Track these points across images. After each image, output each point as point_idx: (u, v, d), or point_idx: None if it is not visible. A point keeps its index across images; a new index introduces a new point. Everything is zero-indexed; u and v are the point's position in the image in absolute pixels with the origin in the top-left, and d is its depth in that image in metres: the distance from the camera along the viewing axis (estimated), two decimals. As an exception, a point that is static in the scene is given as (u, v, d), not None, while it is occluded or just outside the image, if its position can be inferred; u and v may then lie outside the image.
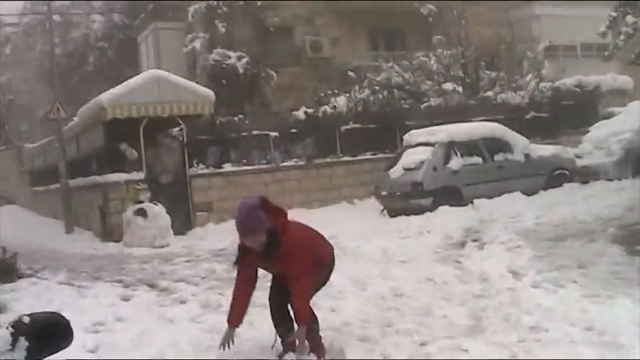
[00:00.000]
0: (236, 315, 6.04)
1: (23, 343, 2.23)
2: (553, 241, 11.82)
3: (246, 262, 6.09)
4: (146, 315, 8.52)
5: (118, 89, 17.43)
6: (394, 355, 6.13)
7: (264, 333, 6.61)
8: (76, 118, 21.65)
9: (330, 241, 12.92)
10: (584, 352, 5.93)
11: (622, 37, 15.01)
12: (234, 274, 10.91)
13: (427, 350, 3.94)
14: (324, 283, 6.49)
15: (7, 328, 2.27)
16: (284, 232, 5.94)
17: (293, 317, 5.94)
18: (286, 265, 5.87)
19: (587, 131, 20.81)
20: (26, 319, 2.28)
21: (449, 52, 24.59)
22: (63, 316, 2.38)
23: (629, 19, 14.64)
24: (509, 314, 7.32)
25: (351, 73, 24.52)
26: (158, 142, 18.17)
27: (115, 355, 6.77)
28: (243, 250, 6.04)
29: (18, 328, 2.26)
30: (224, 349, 5.93)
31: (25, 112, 45.45)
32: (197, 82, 19.58)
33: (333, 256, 6.51)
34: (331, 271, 6.51)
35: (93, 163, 19.76)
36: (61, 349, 2.38)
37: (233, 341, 5.97)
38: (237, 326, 6.09)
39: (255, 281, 6.23)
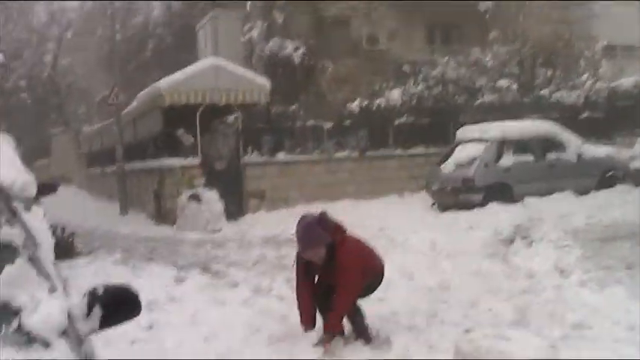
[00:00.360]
0: (307, 317, 6.42)
1: (98, 311, 2.43)
2: (602, 242, 11.87)
3: (305, 270, 6.48)
4: (199, 296, 8.81)
5: (177, 76, 17.80)
6: (438, 343, 6.35)
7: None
8: (134, 103, 22.08)
9: (380, 233, 13.20)
10: (626, 350, 6.07)
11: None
12: (285, 260, 11.24)
13: (470, 337, 4.13)
14: (371, 292, 6.76)
15: (84, 297, 2.48)
16: (342, 246, 6.29)
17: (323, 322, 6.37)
18: (339, 276, 6.19)
19: (645, 131, 20.69)
20: (100, 289, 2.47)
21: (505, 48, 24.51)
22: (133, 288, 2.58)
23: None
24: (554, 311, 7.47)
25: (406, 67, 24.60)
26: (214, 129, 18.49)
27: (169, 332, 7.03)
28: (301, 260, 6.44)
29: (93, 297, 2.45)
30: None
31: (84, 96, 46.25)
32: (254, 71, 19.83)
33: (383, 269, 6.80)
34: (380, 282, 6.81)
35: (149, 147, 20.17)
36: (131, 319, 2.59)
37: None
38: (313, 328, 6.40)
39: (313, 287, 6.56)
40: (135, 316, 2.60)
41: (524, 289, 8.72)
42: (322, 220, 6.37)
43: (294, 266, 6.60)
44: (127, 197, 21.73)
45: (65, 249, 11.51)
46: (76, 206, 23.80)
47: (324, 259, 6.25)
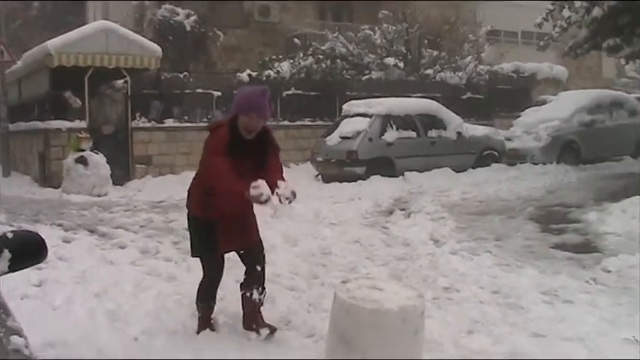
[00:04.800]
0: (239, 182, 5.23)
1: (7, 254, 2.53)
2: (475, 215, 12.57)
3: (225, 150, 5.42)
4: (87, 256, 8.90)
5: (66, 37, 17.53)
6: (318, 303, 6.75)
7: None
8: (19, 63, 21.57)
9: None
10: (489, 310, 6.62)
11: (557, 29, 15.69)
12: (172, 224, 11.43)
13: (347, 287, 4.52)
14: None
15: (-6, 241, 2.56)
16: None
17: (277, 183, 5.47)
18: (273, 153, 5.75)
19: (519, 116, 21.64)
20: (10, 235, 2.58)
21: (394, 27, 25.04)
22: (39, 235, 2.76)
23: (565, 12, 15.31)
24: (427, 276, 8.04)
25: (296, 40, 24.88)
26: (102, 93, 18.33)
27: (58, 289, 7.14)
28: (226, 137, 5.50)
29: (2, 242, 2.54)
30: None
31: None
32: (143, 37, 19.72)
33: None
34: None
35: (35, 108, 19.75)
36: (38, 263, 2.76)
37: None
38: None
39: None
40: (41, 260, 2.70)
41: (401, 256, 9.23)
42: None
43: (213, 143, 5.55)
44: (9, 159, 21.28)
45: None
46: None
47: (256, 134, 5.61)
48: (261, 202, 5.18)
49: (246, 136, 5.56)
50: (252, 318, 5.88)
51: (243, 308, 5.95)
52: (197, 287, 5.99)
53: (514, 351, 5.55)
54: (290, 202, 5.37)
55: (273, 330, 5.82)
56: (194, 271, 7.89)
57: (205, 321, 5.96)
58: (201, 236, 5.79)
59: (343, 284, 4.63)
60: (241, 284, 5.97)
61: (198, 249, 5.87)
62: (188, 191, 6.02)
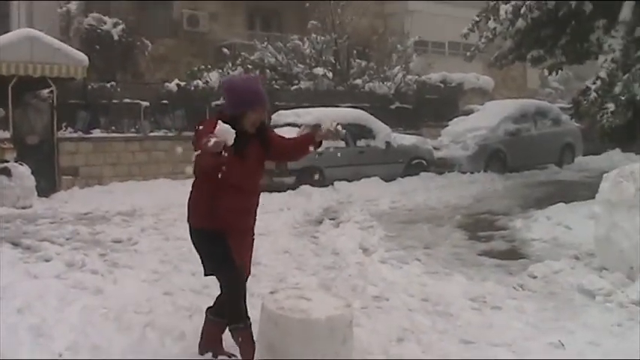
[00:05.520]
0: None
1: None
2: (404, 224, 12.69)
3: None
4: (10, 270, 8.63)
5: (-12, 45, 17.15)
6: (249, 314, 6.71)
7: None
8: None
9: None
10: (419, 318, 6.67)
11: (483, 40, 15.92)
12: (99, 236, 11.25)
13: (275, 297, 4.50)
14: None
15: None
16: None
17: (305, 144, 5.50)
18: (264, 131, 5.40)
19: (447, 125, 21.92)
20: None
21: (323, 37, 25.14)
22: None
23: (491, 24, 15.55)
24: (356, 284, 8.05)
25: (225, 50, 24.78)
26: (27, 103, 17.93)
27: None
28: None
29: None
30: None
31: None
32: (70, 45, 19.39)
33: None
34: None
35: (-45, 118, 19.25)
36: None
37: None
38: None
39: None
40: None
41: (330, 265, 9.25)
42: None
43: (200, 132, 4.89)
44: None
45: None
46: None
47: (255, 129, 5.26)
48: (214, 149, 4.35)
49: (251, 130, 5.20)
50: (211, 343, 5.57)
51: (203, 331, 5.64)
52: (213, 302, 5.61)
53: (444, 358, 5.59)
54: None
55: (230, 357, 5.48)
56: (121, 283, 7.85)
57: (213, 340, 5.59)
58: (211, 248, 5.25)
59: (271, 295, 4.60)
60: (212, 309, 5.61)
61: (211, 262, 5.31)
62: (188, 205, 5.46)
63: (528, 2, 14.53)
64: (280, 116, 18.70)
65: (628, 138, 13.62)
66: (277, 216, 13.67)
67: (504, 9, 15.05)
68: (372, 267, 8.97)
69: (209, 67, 22.89)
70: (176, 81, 21.32)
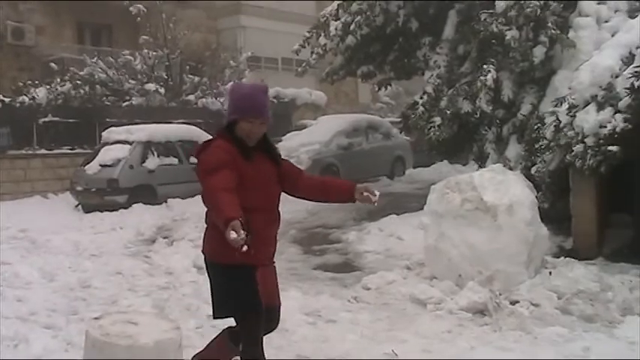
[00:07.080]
0: (234, 207, 3.96)
1: None
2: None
3: (226, 161, 4.32)
4: None
5: None
6: (77, 340, 6.46)
7: None
8: None
9: (21, 234, 12.92)
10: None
11: (314, 55, 16.15)
12: None
13: (100, 323, 4.37)
14: None
15: None
16: None
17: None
18: (271, 150, 4.80)
19: (280, 140, 22.05)
20: None
21: (155, 53, 24.79)
22: None
23: (322, 40, 15.79)
24: (190, 304, 7.96)
25: (53, 65, 24.00)
26: None
27: None
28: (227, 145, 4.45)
29: None
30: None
31: None
32: None
33: None
34: None
35: None
36: None
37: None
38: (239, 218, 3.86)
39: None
40: None
41: (164, 285, 9.12)
42: None
43: (207, 159, 4.38)
44: None
45: None
46: None
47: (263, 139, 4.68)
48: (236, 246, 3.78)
49: (250, 143, 4.53)
50: None
51: (208, 348, 4.98)
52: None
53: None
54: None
55: None
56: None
57: None
58: (231, 285, 4.50)
59: (96, 321, 4.45)
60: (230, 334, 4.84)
61: (229, 303, 4.55)
62: (204, 235, 4.85)
63: (357, 19, 14.88)
64: (111, 133, 18.27)
65: (455, 150, 14.09)
66: (109, 236, 13.42)
67: (334, 25, 15.34)
68: (207, 286, 8.82)
69: (36, 82, 22.08)
70: (0, 97, 20.46)
